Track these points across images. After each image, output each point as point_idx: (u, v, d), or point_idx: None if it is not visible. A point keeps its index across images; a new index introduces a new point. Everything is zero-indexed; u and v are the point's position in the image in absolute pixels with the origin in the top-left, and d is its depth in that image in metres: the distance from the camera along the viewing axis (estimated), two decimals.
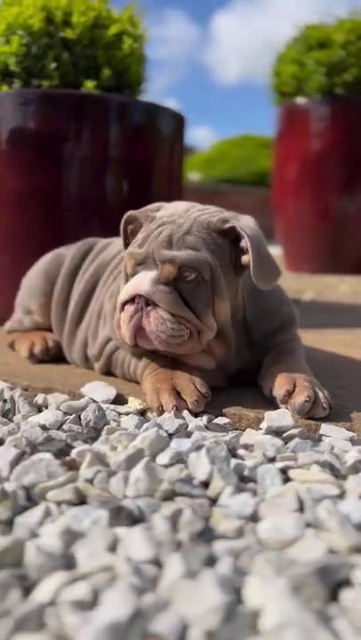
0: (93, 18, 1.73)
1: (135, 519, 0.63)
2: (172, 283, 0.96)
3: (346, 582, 0.52)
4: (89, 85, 1.71)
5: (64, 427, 0.91)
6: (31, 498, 0.67)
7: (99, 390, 1.05)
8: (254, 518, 0.64)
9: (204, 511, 0.64)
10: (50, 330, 1.37)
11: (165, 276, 0.96)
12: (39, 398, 1.03)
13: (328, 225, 3.61)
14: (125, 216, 1.08)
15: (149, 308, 0.95)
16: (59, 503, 0.66)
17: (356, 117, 3.49)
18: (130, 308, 0.96)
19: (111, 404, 1.02)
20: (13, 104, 1.66)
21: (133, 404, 1.02)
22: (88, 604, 0.48)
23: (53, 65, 1.71)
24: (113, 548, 0.57)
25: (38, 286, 1.36)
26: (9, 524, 0.62)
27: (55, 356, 1.31)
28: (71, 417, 0.94)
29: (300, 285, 3.06)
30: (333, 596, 0.50)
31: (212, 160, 8.17)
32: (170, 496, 0.68)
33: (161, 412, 0.96)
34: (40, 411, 1.01)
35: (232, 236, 1.01)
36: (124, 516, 0.62)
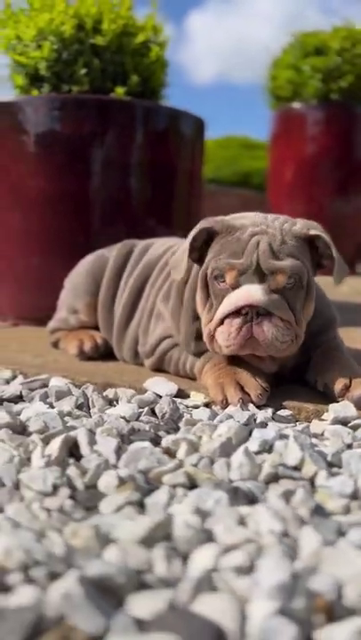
0: (122, 26, 1.78)
1: (251, 499, 0.69)
2: (280, 291, 1.02)
3: None
4: (119, 92, 1.76)
5: (142, 419, 0.97)
6: (149, 482, 0.72)
7: (161, 385, 1.11)
8: (355, 497, 0.71)
9: (309, 491, 0.71)
10: (95, 328, 1.42)
11: (277, 286, 1.01)
12: (109, 393, 1.09)
13: (322, 227, 3.71)
14: (198, 228, 1.08)
15: (261, 317, 0.99)
16: (174, 486, 0.72)
17: (351, 123, 3.60)
18: (236, 320, 0.99)
19: (174, 398, 1.08)
20: (45, 108, 1.71)
21: (197, 397, 1.08)
22: (247, 570, 0.54)
23: (83, 71, 1.76)
24: (242, 523, 0.63)
25: (84, 286, 1.41)
26: (140, 504, 0.67)
27: (103, 353, 1.36)
28: (145, 409, 1.00)
29: None
30: None
31: None
32: (272, 479, 0.74)
33: (225, 405, 1.02)
34: (110, 404, 1.06)
35: (310, 242, 1.09)
36: (242, 496, 0.69)
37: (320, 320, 1.21)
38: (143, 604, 0.49)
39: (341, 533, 0.61)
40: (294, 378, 1.17)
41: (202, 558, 0.56)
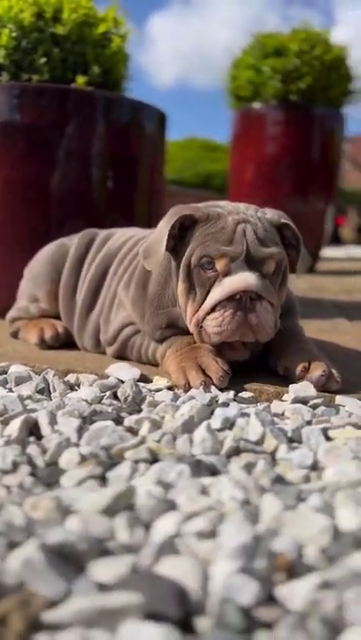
0: (83, 15, 1.77)
1: (213, 471, 0.69)
2: (267, 276, 1.04)
3: None
4: (80, 81, 1.75)
5: (104, 401, 0.96)
6: (111, 457, 0.72)
7: (124, 370, 1.10)
8: (314, 468, 0.72)
9: (269, 463, 0.71)
10: (56, 317, 1.40)
11: (268, 271, 1.03)
12: (71, 378, 1.07)
13: None
14: (180, 215, 1.06)
15: (253, 302, 1.00)
16: (136, 461, 0.72)
17: (309, 123, 3.68)
18: (230, 305, 1.00)
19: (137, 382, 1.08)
20: (5, 97, 1.68)
21: (160, 382, 1.08)
22: (209, 534, 0.55)
23: (43, 60, 1.74)
24: (204, 493, 0.64)
25: (45, 274, 1.39)
26: (102, 478, 0.67)
27: (64, 341, 1.35)
28: (107, 393, 0.99)
29: None
30: None
31: None
32: (233, 453, 0.75)
33: (188, 388, 1.03)
34: (72, 389, 1.05)
35: (279, 230, 1.11)
36: (203, 469, 0.69)
37: (283, 306, 1.23)
38: (105, 570, 0.49)
39: (301, 499, 0.62)
40: (254, 362, 1.18)
41: (164, 525, 0.56)
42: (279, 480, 0.67)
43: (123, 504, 0.59)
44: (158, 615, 0.43)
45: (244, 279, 1.01)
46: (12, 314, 1.46)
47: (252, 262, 1.03)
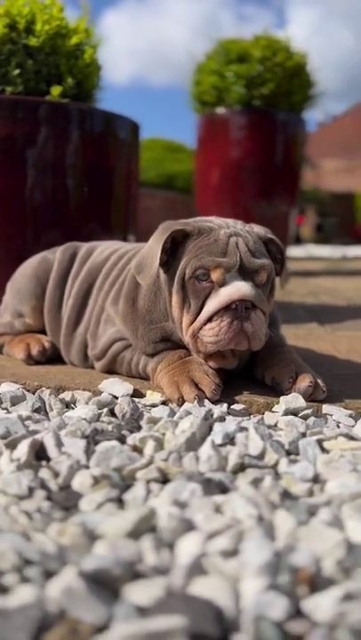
0: (56, 27, 1.77)
1: (223, 488, 0.73)
2: (259, 286, 1.08)
3: None
4: (54, 92, 1.75)
5: (102, 419, 0.98)
6: (123, 479, 0.74)
7: (117, 386, 1.13)
8: (316, 480, 0.76)
9: (273, 477, 0.75)
10: (40, 332, 1.41)
11: (260, 282, 1.07)
12: (66, 396, 1.09)
13: None
14: (172, 230, 1.09)
15: (249, 311, 1.04)
16: (148, 481, 0.74)
17: (272, 128, 3.75)
18: (227, 315, 1.03)
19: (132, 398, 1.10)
20: None
21: (153, 396, 1.11)
22: (232, 552, 0.58)
23: (17, 71, 1.73)
24: (219, 511, 0.67)
25: (29, 290, 1.39)
26: (119, 501, 0.69)
27: (50, 356, 1.36)
28: (104, 410, 1.01)
29: None
30: None
31: None
32: (239, 469, 0.79)
33: (182, 402, 1.06)
34: (68, 407, 1.07)
35: (265, 244, 1.15)
36: (214, 486, 0.72)
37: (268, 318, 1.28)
38: (141, 593, 0.52)
39: (312, 514, 0.66)
40: (241, 373, 1.22)
41: (188, 546, 0.59)
42: (286, 495, 0.71)
43: (145, 527, 0.62)
44: (201, 635, 0.46)
45: (240, 289, 1.05)
46: None
47: (245, 273, 1.07)
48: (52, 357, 1.36)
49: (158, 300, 1.17)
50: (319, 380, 1.11)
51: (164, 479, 0.76)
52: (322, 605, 0.50)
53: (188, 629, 0.46)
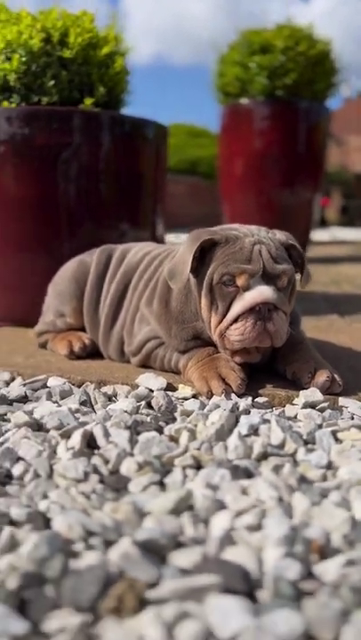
0: (88, 38, 1.87)
1: (248, 474, 0.85)
2: (281, 290, 1.19)
3: None
4: (87, 102, 1.86)
5: (141, 411, 1.11)
6: (163, 465, 0.87)
7: (152, 380, 1.25)
8: (329, 467, 0.88)
9: (292, 464, 0.87)
10: (82, 329, 1.54)
11: (282, 285, 1.19)
12: (107, 390, 1.22)
13: (271, 218, 3.91)
14: (200, 240, 1.20)
15: (271, 312, 1.15)
16: (184, 467, 0.87)
17: (295, 117, 3.80)
18: (251, 316, 1.15)
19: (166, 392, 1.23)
20: (20, 120, 1.79)
21: (185, 390, 1.23)
22: (256, 527, 0.70)
23: (52, 82, 1.84)
24: (245, 493, 0.79)
25: (69, 292, 1.52)
26: (160, 484, 0.82)
27: (90, 352, 1.49)
28: (142, 403, 1.14)
29: None
30: None
31: None
32: (262, 457, 0.91)
33: (210, 395, 1.18)
34: (110, 400, 1.20)
35: (286, 250, 1.26)
36: (241, 472, 0.85)
37: (289, 317, 1.39)
38: (183, 558, 0.65)
39: (324, 496, 0.78)
40: (264, 368, 1.34)
41: (220, 521, 0.72)
42: (303, 480, 0.83)
43: (184, 505, 0.75)
44: (232, 590, 0.59)
45: (263, 293, 1.16)
46: (39, 327, 1.59)
47: (268, 278, 1.18)
48: (92, 353, 1.50)
49: (189, 301, 1.29)
50: (336, 375, 1.22)
51: (198, 465, 0.88)
52: (329, 569, 0.62)
53: (221, 586, 0.59)
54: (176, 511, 0.74)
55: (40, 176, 1.84)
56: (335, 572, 0.62)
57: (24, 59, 1.82)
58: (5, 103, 1.86)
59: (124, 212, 1.99)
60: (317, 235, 5.61)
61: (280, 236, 1.27)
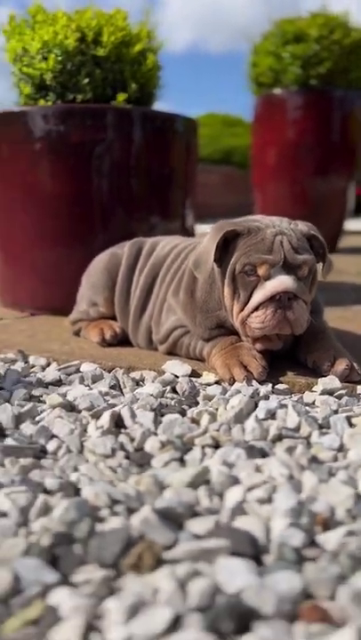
0: (121, 37, 1.94)
1: (263, 454, 0.91)
2: (301, 279, 1.24)
3: None
4: (120, 99, 1.93)
5: (167, 395, 1.18)
6: (184, 444, 0.94)
7: (177, 367, 1.32)
8: (341, 449, 0.93)
9: (305, 446, 0.93)
10: (113, 318, 1.62)
11: (302, 275, 1.23)
12: (136, 375, 1.30)
13: (304, 207, 3.92)
14: (225, 231, 1.25)
15: (291, 301, 1.20)
16: (203, 447, 0.94)
17: (329, 106, 3.79)
18: (272, 305, 1.20)
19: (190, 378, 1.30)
20: (55, 118, 1.87)
21: (209, 376, 1.30)
22: (266, 500, 0.77)
23: (86, 80, 1.92)
24: (259, 470, 0.86)
25: (102, 282, 1.60)
26: (181, 460, 0.89)
27: (121, 340, 1.57)
28: (167, 388, 1.21)
29: None
30: None
31: None
32: (277, 439, 0.97)
33: (233, 382, 1.24)
34: (138, 385, 1.27)
35: (308, 240, 1.30)
36: (256, 452, 0.91)
37: (310, 306, 1.43)
38: (198, 525, 0.71)
39: (332, 474, 0.83)
40: (286, 356, 1.39)
41: (233, 495, 0.78)
42: (314, 460, 0.89)
43: (201, 480, 0.82)
44: (240, 553, 0.66)
45: (283, 282, 1.21)
46: (74, 316, 1.68)
47: (288, 268, 1.23)
48: (122, 340, 1.58)
49: (213, 291, 1.35)
50: (355, 364, 1.26)
51: (217, 445, 0.95)
52: (330, 539, 0.68)
53: (230, 549, 0.66)
54: (193, 484, 0.81)
55: (75, 172, 1.92)
56: (336, 541, 0.67)
57: (60, 58, 1.89)
58: (42, 101, 1.94)
59: (154, 205, 2.06)
60: (351, 224, 5.55)
61: (302, 226, 1.31)
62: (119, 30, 1.94)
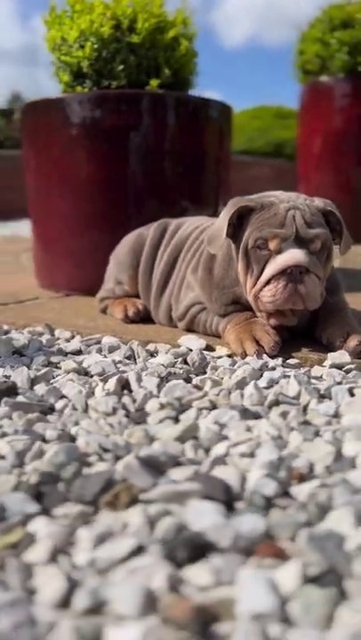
0: (155, 23, 1.98)
1: (257, 417, 0.94)
2: (314, 254, 1.24)
3: None
4: (153, 84, 1.97)
5: (177, 365, 1.22)
6: (182, 405, 0.98)
7: (192, 341, 1.36)
8: (336, 416, 0.94)
9: (301, 412, 0.95)
10: (137, 296, 1.67)
11: (314, 249, 1.23)
12: (150, 347, 1.34)
13: (348, 197, 3.85)
14: (238, 206, 1.27)
15: (302, 275, 1.21)
16: (200, 409, 0.97)
17: None
18: (283, 278, 1.21)
19: (203, 351, 1.33)
20: (90, 103, 1.93)
21: (221, 350, 1.32)
22: (249, 455, 0.79)
23: (121, 67, 1.97)
24: (249, 430, 0.88)
25: (127, 261, 1.65)
26: (175, 419, 0.93)
27: (143, 317, 1.62)
28: (179, 359, 1.25)
29: None
30: None
31: None
32: (274, 404, 0.99)
33: (245, 356, 1.26)
34: (152, 356, 1.32)
35: (325, 216, 1.30)
36: (250, 414, 0.93)
37: (328, 284, 1.43)
38: (178, 473, 0.75)
39: (319, 435, 0.85)
40: (305, 333, 1.39)
41: (218, 449, 0.81)
42: (306, 423, 0.90)
43: (190, 435, 0.85)
44: (211, 498, 0.69)
45: (294, 256, 1.22)
46: (101, 294, 1.74)
47: (300, 242, 1.24)
48: (145, 318, 1.62)
49: (231, 267, 1.37)
50: None
51: (214, 408, 0.98)
52: (303, 490, 0.70)
53: (202, 493, 0.69)
54: (181, 439, 0.84)
55: (109, 157, 1.98)
56: (307, 492, 0.69)
57: (95, 46, 1.96)
58: (79, 88, 2.01)
59: (186, 190, 2.09)
60: None
61: (318, 202, 1.31)
62: (153, 17, 1.98)
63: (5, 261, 3.27)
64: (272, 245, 1.23)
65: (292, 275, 1.21)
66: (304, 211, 1.26)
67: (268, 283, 1.24)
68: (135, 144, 1.97)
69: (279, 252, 1.23)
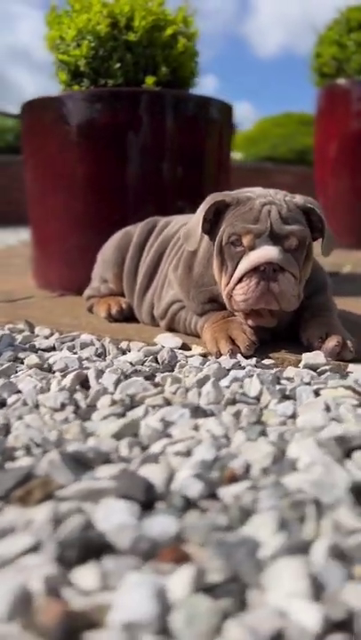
0: (152, 21, 1.95)
1: (208, 415, 0.88)
2: (290, 251, 1.18)
3: (357, 448, 0.76)
4: (149, 82, 1.94)
5: (145, 364, 1.17)
6: (133, 402, 0.93)
7: (168, 340, 1.31)
8: (294, 417, 0.88)
9: (256, 412, 0.89)
10: (122, 295, 1.64)
11: (289, 246, 1.18)
12: (123, 344, 1.30)
13: None
14: (214, 201, 1.23)
15: (275, 273, 1.15)
16: (153, 406, 0.92)
17: None
18: (255, 276, 1.15)
19: (179, 350, 1.28)
20: (85, 102, 1.92)
21: (196, 349, 1.28)
22: (185, 454, 0.74)
23: (117, 65, 1.95)
24: (195, 429, 0.83)
25: (112, 259, 1.62)
26: (122, 416, 0.88)
27: (127, 316, 1.58)
28: (150, 357, 1.21)
29: (339, 259, 3.24)
30: (348, 455, 0.75)
31: (254, 139, 8.29)
32: (231, 403, 0.93)
33: (219, 355, 1.21)
34: (124, 354, 1.27)
35: (306, 214, 1.24)
36: (201, 413, 0.88)
37: (313, 284, 1.36)
38: (105, 471, 0.70)
39: (264, 435, 0.79)
40: (288, 336, 1.33)
41: (155, 447, 0.76)
42: (258, 423, 0.85)
43: (129, 432, 0.81)
44: (128, 497, 0.64)
45: (267, 252, 1.16)
46: (87, 292, 1.71)
47: (275, 238, 1.18)
48: (129, 317, 1.59)
49: (210, 266, 1.32)
50: (348, 341, 1.19)
51: (168, 405, 0.93)
52: (229, 492, 0.65)
53: (119, 491, 0.64)
54: (119, 435, 0.80)
55: (105, 156, 1.96)
56: (233, 494, 0.64)
57: (92, 44, 1.94)
58: (76, 87, 2.00)
59: (184, 190, 2.05)
60: None
61: (299, 199, 1.26)
62: (151, 15, 1.96)
63: (16, 263, 3.29)
64: (245, 241, 1.18)
65: (264, 272, 1.16)
66: (281, 206, 1.20)
67: (240, 280, 1.19)
68: (132, 143, 1.95)
69: (253, 248, 1.18)
